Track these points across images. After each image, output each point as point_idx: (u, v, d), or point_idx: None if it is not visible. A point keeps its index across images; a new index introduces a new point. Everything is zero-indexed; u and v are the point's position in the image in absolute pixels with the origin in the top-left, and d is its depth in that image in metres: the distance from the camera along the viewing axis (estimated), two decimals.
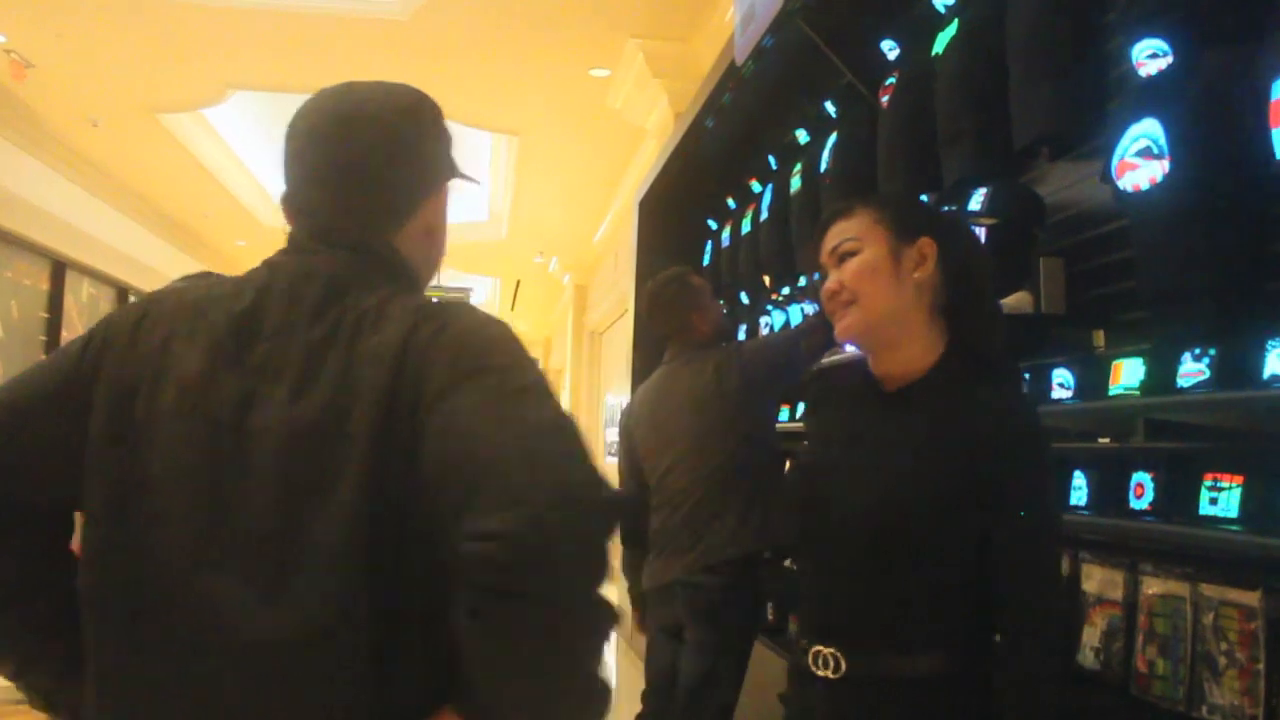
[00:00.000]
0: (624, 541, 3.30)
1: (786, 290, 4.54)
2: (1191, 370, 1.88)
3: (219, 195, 10.73)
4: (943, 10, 2.94)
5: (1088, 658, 2.09)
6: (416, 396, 0.96)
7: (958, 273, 1.60)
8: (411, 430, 0.95)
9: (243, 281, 1.10)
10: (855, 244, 1.59)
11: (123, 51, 7.49)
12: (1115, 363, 2.12)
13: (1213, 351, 1.84)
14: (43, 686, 1.13)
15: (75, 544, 1.09)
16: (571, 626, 0.90)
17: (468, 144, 9.95)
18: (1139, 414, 2.12)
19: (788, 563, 3.46)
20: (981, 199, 2.56)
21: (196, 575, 0.97)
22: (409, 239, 1.16)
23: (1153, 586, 1.95)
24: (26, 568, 1.10)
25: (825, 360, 3.21)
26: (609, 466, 12.27)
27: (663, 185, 6.20)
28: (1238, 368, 1.79)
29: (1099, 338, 2.36)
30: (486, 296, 18.68)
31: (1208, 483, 1.89)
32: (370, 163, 1.13)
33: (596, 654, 0.94)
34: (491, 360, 0.99)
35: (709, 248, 5.71)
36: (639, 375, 5.72)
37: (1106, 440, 2.31)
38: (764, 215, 4.55)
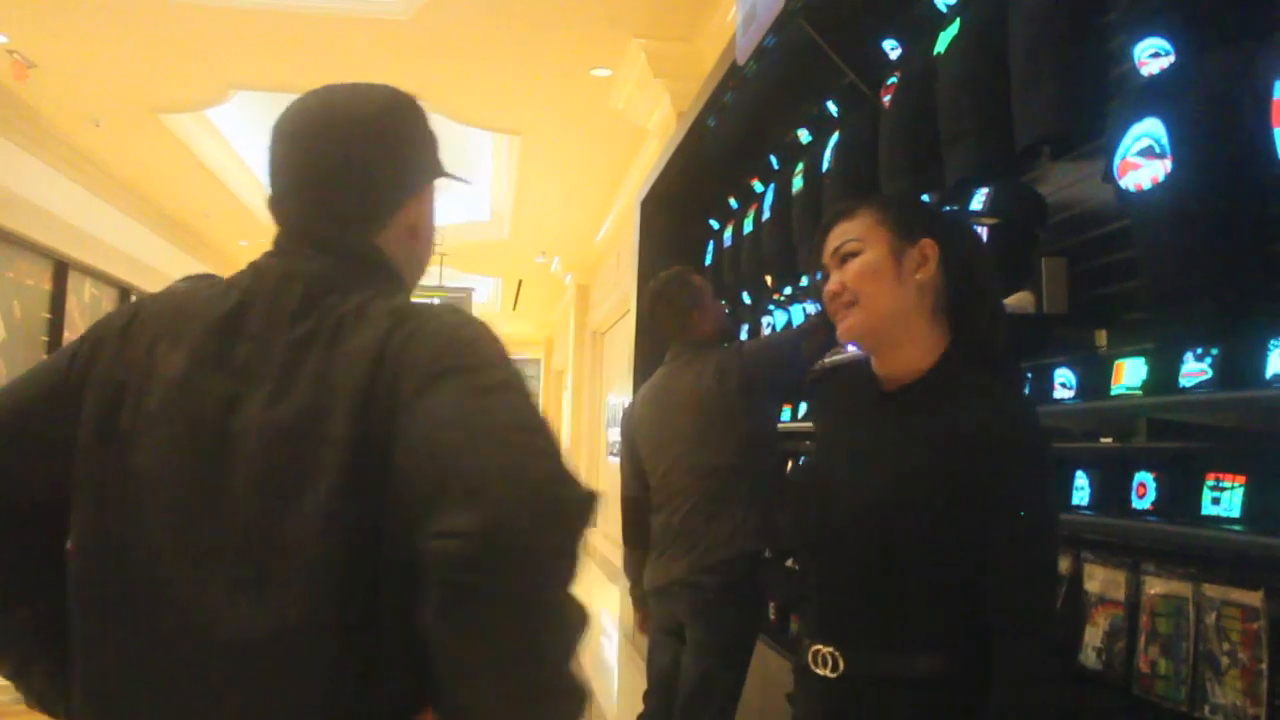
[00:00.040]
0: (626, 542, 3.30)
1: (788, 290, 4.54)
2: (1194, 370, 1.87)
3: (221, 195, 10.75)
4: (944, 10, 2.94)
5: (1090, 658, 2.09)
6: (392, 398, 0.97)
7: (960, 273, 1.60)
8: (387, 431, 0.95)
9: (228, 284, 1.11)
10: (857, 245, 1.59)
11: (125, 52, 7.50)
12: (1117, 362, 2.12)
13: (1215, 351, 1.84)
14: (39, 687, 1.14)
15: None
16: (537, 624, 0.90)
17: (469, 144, 9.96)
18: (1141, 414, 2.12)
19: (789, 562, 3.46)
20: (983, 199, 2.56)
21: (179, 575, 0.98)
22: (392, 239, 1.16)
23: (1155, 586, 1.95)
24: (27, 568, 1.11)
25: (828, 360, 3.21)
26: (610, 466, 12.26)
27: (665, 185, 6.20)
28: (1240, 367, 1.79)
29: (1101, 337, 2.36)
30: (488, 296, 18.69)
31: (1210, 483, 1.88)
32: (348, 163, 1.13)
33: (567, 653, 0.93)
34: (465, 360, 0.99)
35: (711, 247, 5.71)
36: (641, 375, 5.72)
37: (1109, 440, 2.31)
38: (766, 215, 4.54)
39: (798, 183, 4.12)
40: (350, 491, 0.96)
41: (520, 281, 17.18)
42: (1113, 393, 2.11)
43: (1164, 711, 1.87)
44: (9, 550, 1.11)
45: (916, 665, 1.46)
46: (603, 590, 9.61)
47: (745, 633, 2.97)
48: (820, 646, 1.54)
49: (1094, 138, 2.30)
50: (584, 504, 0.94)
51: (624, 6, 6.57)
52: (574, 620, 0.93)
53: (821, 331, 2.89)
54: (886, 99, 3.19)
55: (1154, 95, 1.97)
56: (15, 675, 1.15)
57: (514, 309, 19.14)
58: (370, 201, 1.15)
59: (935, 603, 1.47)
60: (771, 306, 4.55)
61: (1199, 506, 1.89)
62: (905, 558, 1.48)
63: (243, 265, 1.15)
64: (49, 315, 9.59)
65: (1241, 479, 1.82)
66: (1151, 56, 2.00)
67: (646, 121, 7.80)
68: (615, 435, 11.35)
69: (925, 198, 2.98)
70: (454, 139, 9.61)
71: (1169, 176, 1.88)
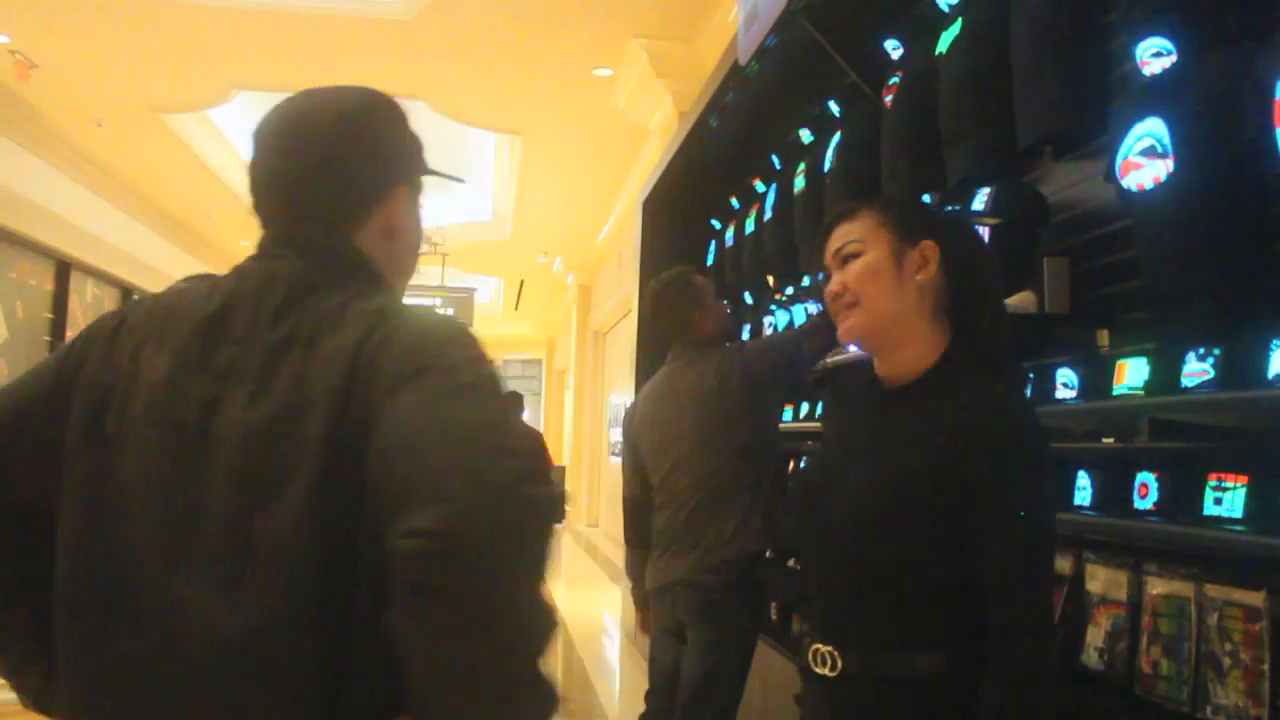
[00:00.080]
0: (628, 542, 3.30)
1: (790, 290, 4.54)
2: (1196, 370, 1.87)
3: (223, 195, 10.76)
4: (946, 9, 2.94)
5: (1092, 658, 2.09)
6: (366, 399, 0.97)
7: (961, 274, 1.60)
8: (362, 432, 0.96)
9: (212, 287, 1.12)
10: (858, 246, 1.60)
11: (127, 52, 7.51)
12: (1119, 362, 2.12)
13: (1217, 351, 1.84)
14: (34, 687, 1.14)
15: None
16: (502, 624, 0.89)
17: (471, 144, 9.96)
18: (1143, 414, 2.12)
19: (791, 562, 3.46)
20: (985, 198, 2.56)
21: (162, 576, 0.99)
22: (369, 238, 1.16)
23: (1157, 587, 1.95)
24: (25, 569, 1.11)
25: (830, 360, 3.21)
26: (612, 466, 12.28)
27: (666, 185, 6.20)
28: (1242, 367, 1.78)
29: (1103, 337, 2.36)
30: (490, 297, 18.70)
31: (1212, 483, 1.88)
32: (323, 163, 1.14)
33: (533, 653, 0.93)
34: (436, 361, 1.00)
35: (713, 247, 5.71)
36: (643, 375, 5.72)
37: (1111, 440, 2.31)
38: (768, 215, 4.54)
39: (799, 183, 4.12)
40: (326, 492, 0.96)
41: (522, 282, 17.19)
42: (1115, 393, 2.11)
43: (1166, 712, 1.87)
44: (7, 550, 1.12)
45: (916, 665, 1.46)
46: (605, 590, 9.61)
47: (747, 633, 2.97)
48: (820, 645, 1.54)
49: (1096, 137, 2.30)
50: (550, 503, 0.94)
51: (625, 6, 6.58)
52: (541, 621, 0.93)
53: (823, 331, 2.89)
54: (888, 99, 3.19)
55: (1156, 95, 1.97)
56: (11, 675, 1.16)
57: (516, 309, 19.16)
58: (346, 200, 1.15)
59: (934, 602, 1.47)
60: (773, 306, 4.55)
61: (1201, 507, 1.89)
62: (903, 557, 1.49)
63: None
64: (51, 315, 9.60)
65: (1243, 479, 1.82)
66: (1153, 56, 2.00)
67: (648, 121, 7.80)
68: (617, 435, 11.36)
69: (927, 197, 2.98)
70: (456, 139, 9.62)
71: (1171, 176, 1.88)
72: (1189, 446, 2.04)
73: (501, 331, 22.50)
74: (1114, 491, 2.16)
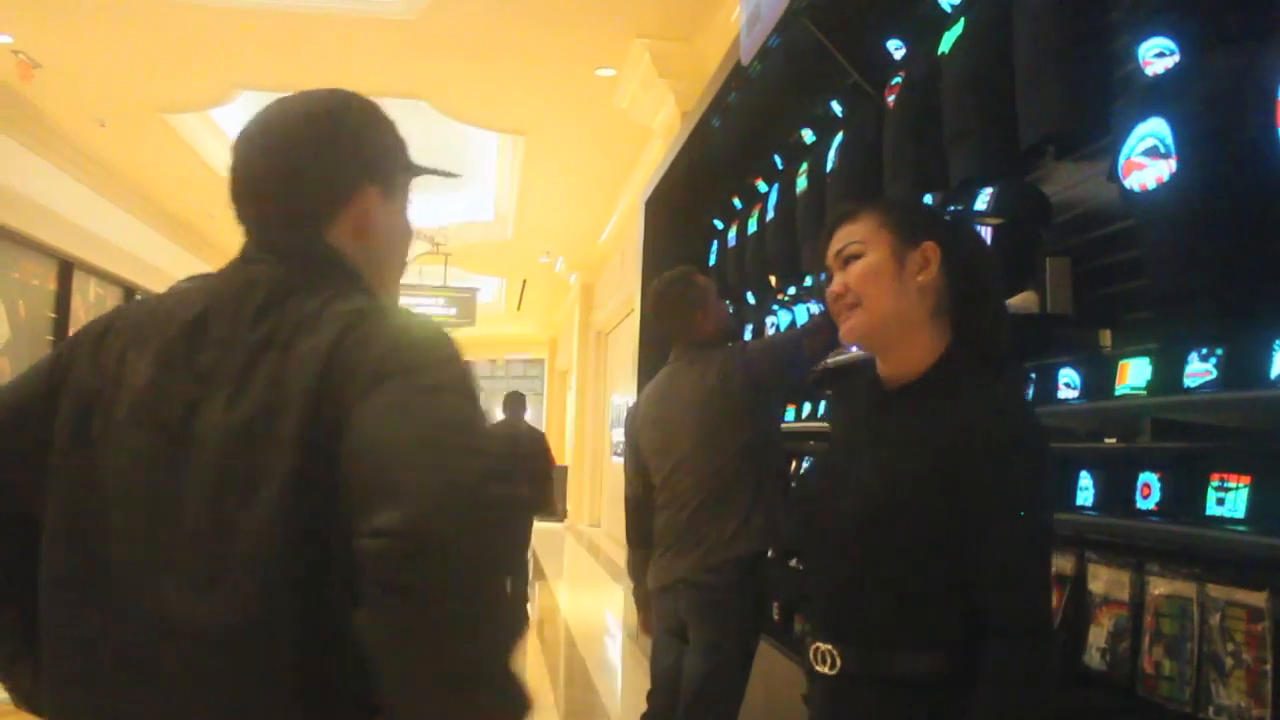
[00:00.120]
0: (630, 542, 3.30)
1: (792, 290, 4.54)
2: (1198, 370, 1.87)
3: (225, 195, 10.73)
4: (949, 9, 2.94)
5: (1094, 658, 2.08)
6: (339, 400, 0.98)
7: (962, 275, 1.61)
8: (335, 433, 0.97)
9: (195, 291, 1.14)
10: (860, 247, 1.61)
11: (130, 52, 7.52)
12: (1122, 362, 2.11)
13: (1220, 351, 1.84)
14: (26, 687, 1.16)
15: None
16: (466, 624, 0.90)
17: (474, 144, 9.97)
18: (1145, 414, 2.12)
19: (793, 562, 3.46)
20: (987, 198, 2.56)
21: (144, 575, 1.00)
22: (341, 237, 1.17)
23: (1159, 587, 1.95)
24: (18, 568, 1.12)
25: (834, 360, 3.21)
26: (614, 466, 12.27)
27: (669, 185, 6.20)
28: (1245, 367, 1.78)
29: (1105, 337, 2.35)
30: (493, 296, 18.70)
31: (1214, 483, 1.88)
32: (291, 161, 1.16)
33: (499, 653, 0.93)
34: (407, 362, 1.01)
35: (715, 247, 5.71)
36: (645, 375, 5.72)
37: (1113, 440, 2.30)
38: (770, 215, 4.54)
39: (802, 183, 4.12)
40: (300, 492, 0.97)
41: (524, 281, 17.20)
42: (1117, 393, 2.11)
43: (1168, 712, 1.87)
44: (2, 550, 1.14)
45: (916, 664, 1.46)
46: (607, 590, 9.61)
47: (748, 632, 2.97)
48: (821, 644, 1.55)
49: (1098, 137, 2.30)
50: (514, 503, 0.95)
51: (628, 7, 6.58)
52: (507, 621, 0.94)
53: (824, 331, 2.89)
54: (891, 99, 3.19)
55: (1158, 95, 1.97)
56: (2, 674, 1.18)
57: (518, 309, 19.16)
58: (309, 201, 1.16)
59: (934, 602, 1.47)
60: (775, 306, 4.55)
61: (1203, 507, 1.89)
62: (901, 556, 1.49)
63: None
64: (54, 315, 9.61)
65: (1246, 479, 1.82)
66: (1156, 56, 1.99)
67: (651, 121, 7.81)
68: (619, 436, 11.36)
69: (929, 197, 2.98)
70: (458, 138, 9.62)
71: (1173, 176, 1.88)
72: (1191, 447, 2.04)
73: (504, 331, 22.49)
74: (1116, 492, 2.16)
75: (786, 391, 3.38)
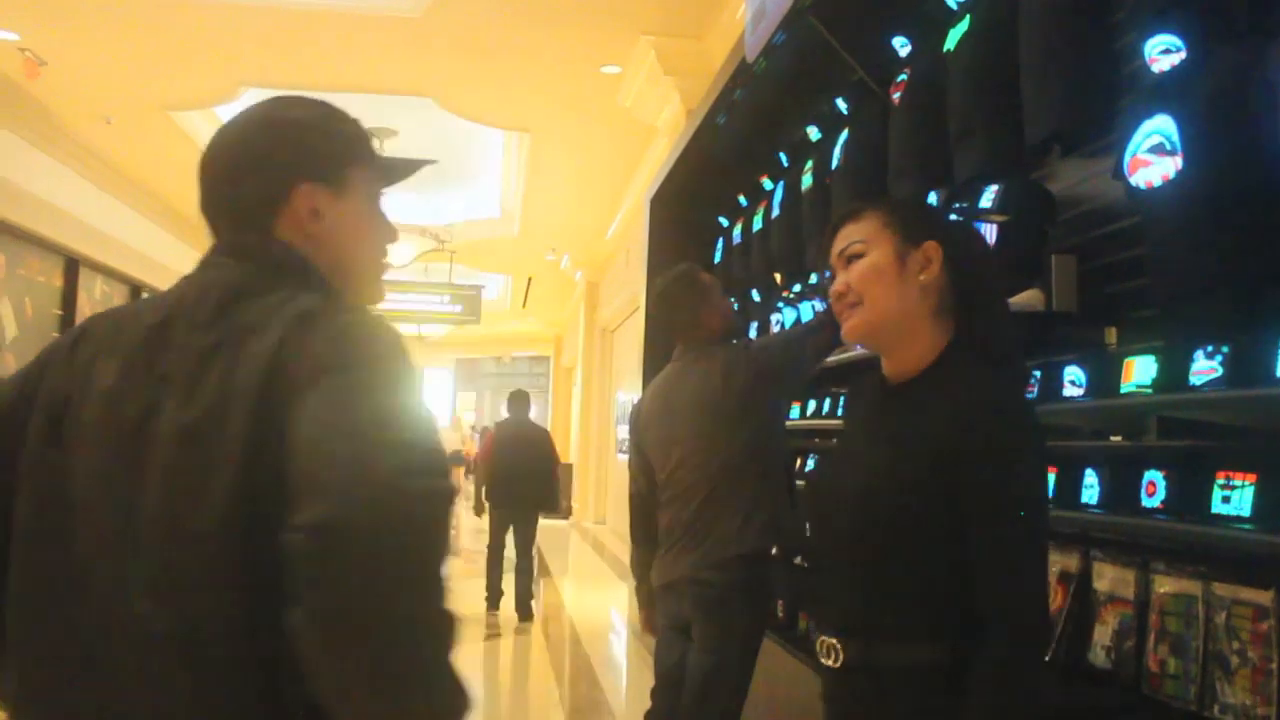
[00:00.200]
0: (633, 539, 3.30)
1: (798, 287, 4.53)
2: (1204, 368, 1.87)
3: None
4: (954, 7, 2.94)
5: (1099, 656, 2.08)
6: (282, 399, 1.00)
7: (964, 275, 1.62)
8: (278, 432, 0.98)
9: (161, 297, 1.17)
10: (862, 246, 1.63)
11: (135, 49, 7.53)
12: (1127, 360, 2.11)
13: (1225, 349, 1.84)
14: (11, 692, 1.16)
15: None
16: (386, 618, 0.90)
17: (478, 141, 9.97)
18: (1151, 412, 2.11)
19: (797, 560, 3.46)
20: (993, 196, 2.56)
21: (104, 573, 1.02)
22: (289, 235, 1.19)
23: (1165, 585, 1.95)
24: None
25: (835, 358, 3.21)
26: (619, 463, 12.29)
27: (674, 182, 6.20)
28: (1250, 365, 1.78)
29: (1111, 335, 2.35)
30: (498, 293, 18.72)
31: (1220, 481, 1.88)
32: (223, 170, 1.21)
33: (424, 648, 0.93)
34: (343, 360, 1.02)
35: (720, 245, 5.71)
36: (650, 372, 5.72)
37: (1118, 438, 2.30)
38: (775, 212, 4.54)
39: (807, 180, 4.12)
40: (247, 492, 0.98)
41: (530, 279, 17.20)
42: (1122, 390, 2.10)
43: (1173, 711, 1.87)
44: None
45: (916, 656, 1.47)
46: (611, 587, 9.62)
47: (752, 630, 2.97)
48: (824, 637, 1.58)
49: (1104, 135, 2.30)
50: (435, 498, 0.95)
51: (633, 4, 6.57)
52: (434, 616, 0.94)
53: (828, 329, 2.89)
54: (896, 96, 3.19)
55: (1164, 92, 1.97)
56: None
57: (524, 306, 19.17)
58: (250, 196, 1.19)
59: (931, 596, 1.49)
60: (781, 304, 4.54)
61: (1209, 505, 1.89)
62: (889, 549, 1.51)
63: None
64: (60, 312, 9.63)
65: (1252, 477, 1.82)
66: (1162, 53, 1.99)
67: (656, 119, 7.80)
68: (624, 433, 11.37)
69: (935, 194, 2.98)
70: (463, 136, 9.63)
71: (1179, 173, 1.88)
72: (1197, 445, 2.03)
73: (509, 328, 22.52)
74: (1122, 489, 2.16)
75: (790, 389, 3.37)
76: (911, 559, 1.49)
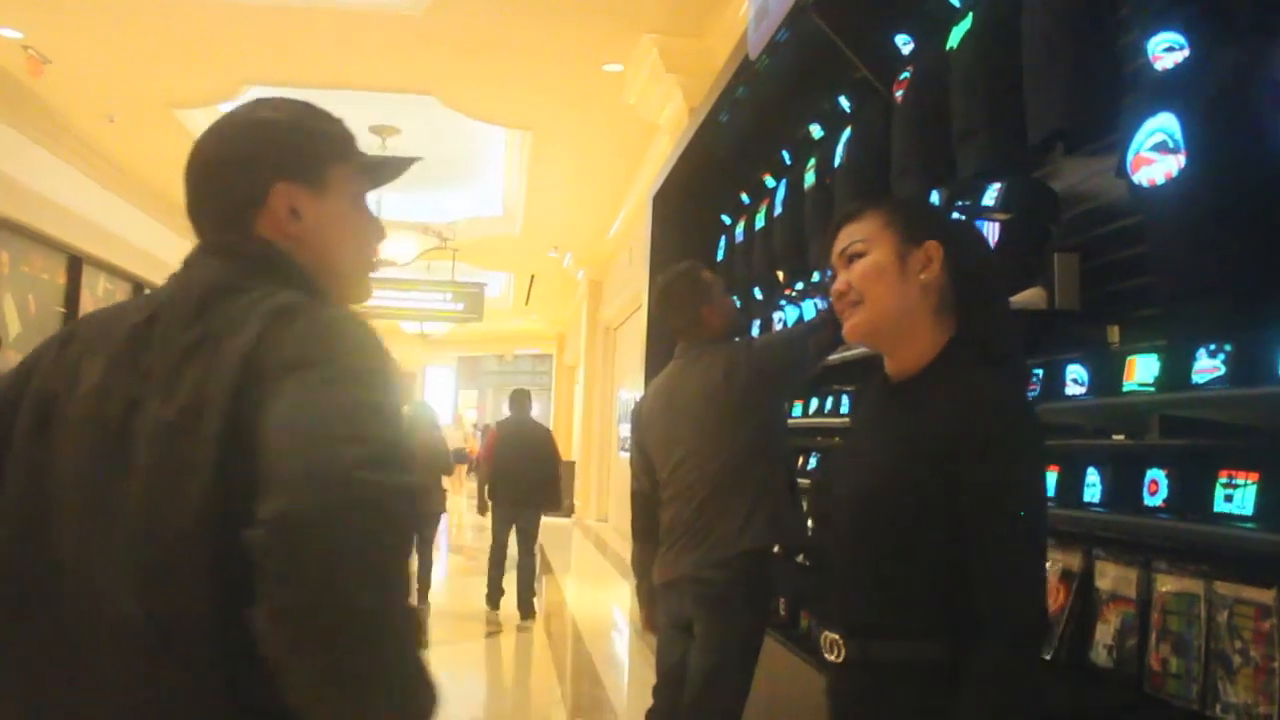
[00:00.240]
0: (635, 537, 3.30)
1: (800, 285, 4.53)
2: (1207, 366, 1.86)
3: None
4: (957, 4, 2.93)
5: (1101, 655, 2.08)
6: (255, 395, 1.00)
7: (964, 274, 1.63)
8: (252, 428, 0.98)
9: (148, 296, 1.18)
10: (863, 246, 1.64)
11: (139, 47, 7.53)
12: (1130, 359, 2.11)
13: (1228, 348, 1.83)
14: None
15: None
16: (340, 612, 0.89)
17: (481, 139, 9.97)
18: (1153, 410, 2.11)
19: (799, 558, 3.46)
20: (995, 194, 2.55)
21: (83, 568, 1.02)
22: (270, 234, 1.20)
23: (1167, 584, 1.94)
24: None
25: (838, 356, 3.21)
26: (621, 462, 12.29)
27: (677, 180, 6.20)
28: (1253, 364, 1.78)
29: (1113, 333, 2.35)
30: (501, 292, 18.72)
31: (1223, 480, 1.87)
32: (202, 173, 1.23)
33: (391, 644, 0.93)
34: (313, 355, 1.02)
35: (723, 243, 5.70)
36: (653, 371, 5.72)
37: (1121, 437, 2.30)
38: (778, 210, 4.54)
39: (810, 178, 4.12)
40: (221, 489, 0.98)
41: (533, 277, 17.20)
42: (1125, 389, 2.10)
43: (1175, 710, 1.87)
44: None
45: (921, 651, 1.48)
46: (614, 585, 9.63)
47: (753, 628, 2.97)
48: (827, 633, 1.59)
49: (1107, 133, 2.29)
50: (396, 493, 0.94)
51: (636, 2, 6.57)
52: (391, 612, 0.93)
53: (829, 327, 2.89)
54: (899, 94, 3.18)
55: (1168, 90, 1.96)
56: None
57: (526, 304, 19.17)
58: (228, 197, 1.21)
59: (933, 592, 1.49)
60: (783, 302, 4.54)
61: (1211, 504, 1.88)
62: (888, 545, 1.52)
63: None
64: (63, 309, 9.64)
65: (1254, 476, 1.82)
66: (1165, 51, 1.99)
67: (658, 117, 7.80)
68: (627, 431, 11.37)
69: (937, 192, 2.97)
70: (465, 134, 9.62)
71: (1182, 172, 1.87)
72: (1199, 443, 2.03)
73: (512, 326, 22.52)
74: (1124, 488, 2.16)
75: (792, 387, 3.37)
76: (912, 557, 1.50)
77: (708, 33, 6.82)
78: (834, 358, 3.14)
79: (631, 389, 12.31)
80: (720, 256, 5.68)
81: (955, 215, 2.57)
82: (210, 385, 1.02)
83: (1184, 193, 1.88)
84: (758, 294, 5.05)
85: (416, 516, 1.00)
